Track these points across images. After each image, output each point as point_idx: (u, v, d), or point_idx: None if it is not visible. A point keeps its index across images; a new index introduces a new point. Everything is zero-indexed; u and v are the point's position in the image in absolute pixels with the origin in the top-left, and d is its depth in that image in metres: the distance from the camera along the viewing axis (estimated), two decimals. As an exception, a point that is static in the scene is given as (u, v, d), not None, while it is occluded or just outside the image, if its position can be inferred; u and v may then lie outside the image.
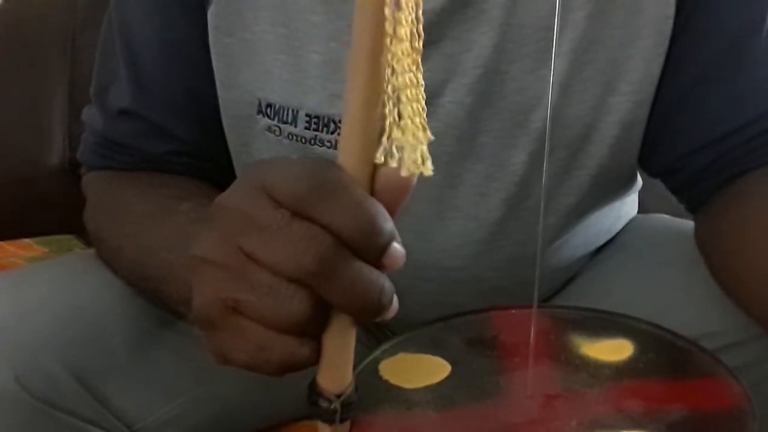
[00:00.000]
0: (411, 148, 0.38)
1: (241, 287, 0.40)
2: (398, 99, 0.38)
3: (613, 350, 0.51)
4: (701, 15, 0.62)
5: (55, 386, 0.62)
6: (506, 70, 0.63)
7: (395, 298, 0.41)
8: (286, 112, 0.65)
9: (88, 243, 0.75)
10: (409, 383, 0.49)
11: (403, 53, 0.37)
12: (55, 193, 1.16)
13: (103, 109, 0.73)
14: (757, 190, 0.63)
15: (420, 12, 0.38)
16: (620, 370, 0.49)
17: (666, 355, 0.50)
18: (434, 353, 0.52)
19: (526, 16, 0.61)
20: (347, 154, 0.39)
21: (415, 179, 0.39)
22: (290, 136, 0.66)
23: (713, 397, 0.46)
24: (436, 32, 0.62)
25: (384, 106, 0.38)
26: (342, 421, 0.42)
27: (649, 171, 0.72)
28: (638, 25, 0.62)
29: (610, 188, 0.72)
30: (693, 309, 0.65)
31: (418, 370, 0.50)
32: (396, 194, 0.40)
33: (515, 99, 0.63)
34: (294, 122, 0.65)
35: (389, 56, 0.37)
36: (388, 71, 0.37)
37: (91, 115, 0.75)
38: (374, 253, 0.39)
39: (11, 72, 1.19)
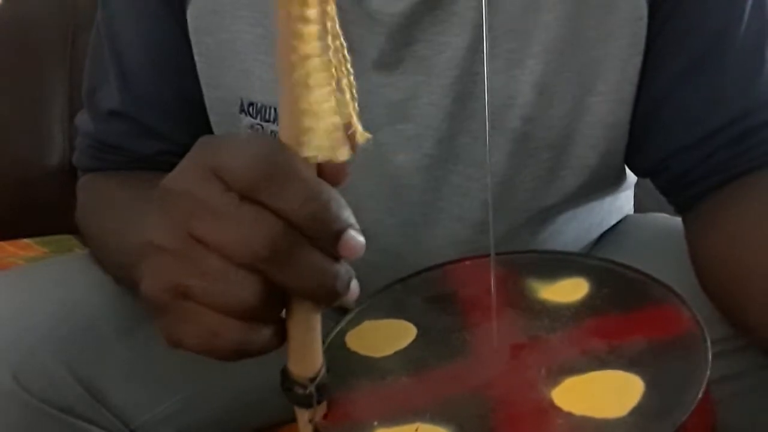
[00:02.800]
0: (314, 134, 0.37)
1: (191, 272, 0.39)
2: (306, 84, 0.37)
3: (571, 290, 0.51)
4: (679, 15, 0.62)
5: (53, 384, 0.62)
6: (478, 71, 0.63)
7: (354, 283, 0.40)
8: (268, 111, 0.66)
9: (86, 243, 0.75)
10: (378, 351, 0.49)
11: (310, 36, 0.36)
12: (54, 194, 1.16)
13: (94, 111, 0.73)
14: (745, 196, 0.63)
15: (332, 9, 0.37)
16: (579, 310, 0.49)
17: (620, 288, 0.51)
18: (397, 317, 0.52)
19: (497, 17, 0.61)
20: (284, 133, 0.39)
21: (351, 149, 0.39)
22: (273, 134, 0.66)
23: (667, 324, 0.47)
24: (406, 34, 0.62)
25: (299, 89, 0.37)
26: (318, 403, 0.43)
27: (635, 171, 0.72)
28: (611, 27, 0.62)
29: (597, 188, 0.72)
30: None
31: (385, 337, 0.50)
32: (338, 167, 0.39)
33: (488, 100, 0.63)
34: (276, 120, 0.66)
35: (295, 40, 0.36)
36: (294, 56, 0.37)
37: (82, 119, 0.75)
38: (327, 239, 0.39)
39: (11, 72, 1.20)
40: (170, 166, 0.71)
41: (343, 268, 0.40)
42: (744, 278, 0.57)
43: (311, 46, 0.36)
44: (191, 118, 0.70)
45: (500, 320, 0.50)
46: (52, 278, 0.68)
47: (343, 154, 0.38)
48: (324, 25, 0.37)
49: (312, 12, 0.36)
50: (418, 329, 0.51)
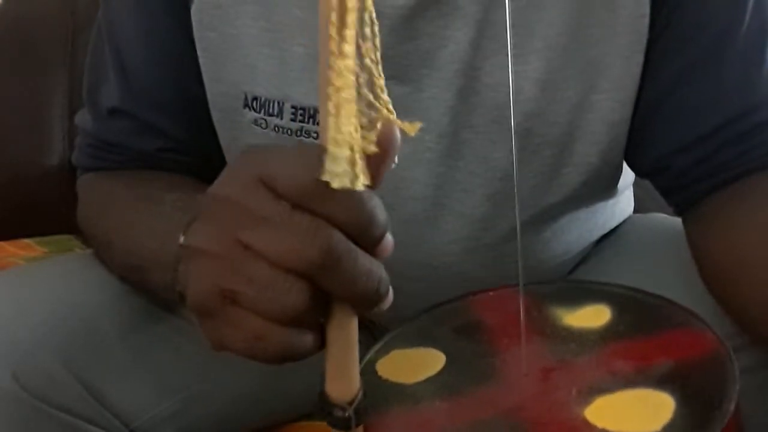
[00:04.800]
0: (334, 161, 0.38)
1: (239, 279, 0.40)
2: (335, 114, 0.38)
3: (593, 316, 0.52)
4: (681, 13, 0.62)
5: (53, 384, 0.62)
6: (481, 66, 0.63)
7: (390, 288, 0.41)
8: (271, 105, 0.66)
9: (88, 243, 0.75)
10: (409, 378, 0.50)
11: (345, 69, 0.37)
12: (55, 193, 1.15)
13: (94, 109, 0.74)
14: (747, 197, 0.63)
15: (375, 29, 0.39)
16: (604, 335, 0.50)
17: (641, 313, 0.52)
18: (425, 345, 0.53)
19: (501, 12, 0.62)
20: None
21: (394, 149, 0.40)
22: (277, 128, 0.66)
23: (691, 345, 0.48)
24: (410, 29, 0.62)
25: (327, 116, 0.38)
26: (356, 426, 0.43)
27: (636, 170, 0.72)
28: (614, 24, 0.62)
29: (598, 186, 0.72)
30: None
31: (415, 364, 0.51)
32: (383, 162, 0.40)
33: (491, 95, 0.64)
34: (280, 114, 0.66)
35: (332, 74, 0.37)
36: (329, 87, 0.38)
37: (83, 118, 0.75)
38: (371, 243, 0.40)
39: (11, 72, 1.19)
40: (171, 163, 0.72)
41: (384, 272, 0.41)
42: (744, 278, 0.57)
43: (344, 80, 0.37)
44: (192, 115, 0.71)
45: (527, 346, 0.51)
46: (52, 278, 0.68)
47: (359, 185, 0.38)
48: (360, 58, 0.38)
49: (349, 48, 0.37)
50: (447, 357, 0.51)
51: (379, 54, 0.39)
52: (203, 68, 0.68)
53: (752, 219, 0.60)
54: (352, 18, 0.37)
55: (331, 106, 0.38)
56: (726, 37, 0.63)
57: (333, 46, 0.37)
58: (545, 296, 0.55)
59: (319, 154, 0.39)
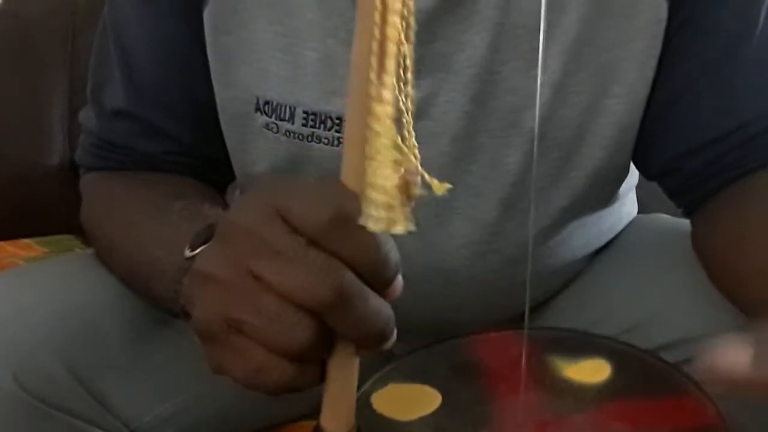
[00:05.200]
0: (376, 206, 0.38)
1: (247, 309, 0.40)
2: (374, 159, 0.38)
3: (593, 371, 0.52)
4: (695, 18, 0.62)
5: (53, 384, 0.62)
6: (499, 71, 0.63)
7: (395, 329, 0.41)
8: (283, 110, 0.66)
9: (88, 243, 0.75)
10: (403, 415, 0.50)
11: (384, 115, 0.37)
12: (55, 193, 1.15)
13: (99, 109, 0.73)
14: (754, 193, 0.63)
15: (410, 75, 0.39)
16: (602, 393, 0.50)
17: (641, 374, 0.52)
18: (423, 382, 0.52)
19: (519, 16, 0.61)
20: (348, 181, 0.39)
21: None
22: (287, 133, 0.66)
23: (688, 415, 0.48)
24: (428, 32, 0.62)
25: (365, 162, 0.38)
26: None
27: (646, 173, 0.72)
28: (631, 28, 0.62)
29: (605, 189, 0.72)
30: (691, 311, 0.65)
31: (410, 401, 0.51)
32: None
33: (508, 99, 0.63)
34: (291, 119, 0.66)
35: (368, 117, 0.37)
36: (368, 131, 0.37)
37: (87, 117, 0.75)
38: (383, 284, 0.40)
39: (11, 72, 1.19)
40: (175, 166, 0.72)
41: (391, 312, 0.41)
42: (750, 274, 0.58)
43: (383, 126, 0.37)
44: (198, 118, 0.70)
45: (525, 395, 0.50)
46: (53, 278, 0.68)
47: (399, 228, 0.38)
48: (396, 103, 0.38)
49: (387, 93, 0.37)
50: (443, 397, 0.51)
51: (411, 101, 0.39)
52: (214, 72, 0.68)
53: (757, 216, 0.61)
54: (391, 63, 0.37)
55: (370, 150, 0.38)
56: (739, 41, 0.63)
57: (373, 91, 0.37)
58: (547, 344, 0.55)
59: (339, 192, 0.39)
